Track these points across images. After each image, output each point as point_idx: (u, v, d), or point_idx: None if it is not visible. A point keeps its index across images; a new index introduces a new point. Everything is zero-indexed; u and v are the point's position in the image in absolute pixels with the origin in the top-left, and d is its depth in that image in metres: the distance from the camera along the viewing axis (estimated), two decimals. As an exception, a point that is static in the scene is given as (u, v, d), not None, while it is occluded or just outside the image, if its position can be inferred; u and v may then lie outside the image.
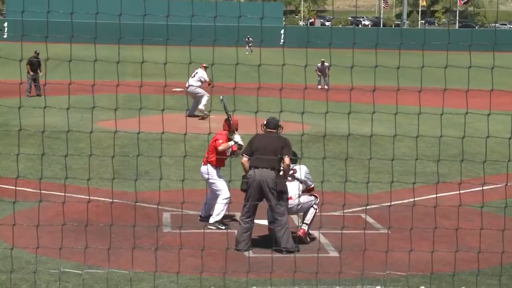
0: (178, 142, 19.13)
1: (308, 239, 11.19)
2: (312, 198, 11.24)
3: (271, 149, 10.64)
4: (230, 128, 12.04)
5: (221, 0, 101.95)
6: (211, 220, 11.91)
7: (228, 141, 11.96)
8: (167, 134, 14.73)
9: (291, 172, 11.04)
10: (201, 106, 24.23)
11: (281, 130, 11.11)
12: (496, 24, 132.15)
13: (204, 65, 24.34)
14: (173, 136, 17.49)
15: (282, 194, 10.63)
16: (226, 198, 11.84)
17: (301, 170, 11.22)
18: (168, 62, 9.92)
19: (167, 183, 14.16)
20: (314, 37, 77.21)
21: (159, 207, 12.17)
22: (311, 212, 11.17)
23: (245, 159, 10.77)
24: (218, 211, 11.88)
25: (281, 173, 10.68)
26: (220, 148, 11.83)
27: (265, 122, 11.09)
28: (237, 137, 12.04)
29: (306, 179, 11.26)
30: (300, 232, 11.05)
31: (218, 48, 42.59)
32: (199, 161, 12.57)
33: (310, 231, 11.27)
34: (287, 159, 10.67)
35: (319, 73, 37.11)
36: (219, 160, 12.00)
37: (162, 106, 9.69)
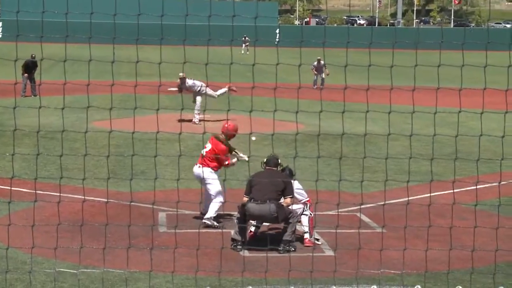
0: (173, 141, 19.14)
1: (319, 242, 11.19)
2: (301, 206, 11.22)
3: (272, 183, 10.65)
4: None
5: (216, 0, 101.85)
6: (207, 215, 11.96)
7: (229, 152, 12.24)
8: (162, 134, 14.75)
9: None
10: (196, 119, 24.04)
11: (280, 168, 11.15)
12: (490, 23, 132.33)
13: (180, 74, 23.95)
14: (168, 135, 17.53)
15: (287, 218, 10.71)
16: (221, 201, 11.93)
17: (294, 186, 11.21)
18: (163, 61, 9.94)
19: (163, 183, 14.17)
20: (309, 36, 77.26)
21: (155, 206, 12.18)
22: (304, 220, 11.17)
23: (246, 199, 10.74)
24: (214, 210, 11.95)
25: (281, 200, 10.71)
26: (229, 167, 12.25)
27: (265, 160, 11.13)
28: (242, 155, 12.34)
29: (296, 194, 11.23)
30: (306, 243, 11.07)
31: (213, 48, 42.57)
32: (195, 160, 12.58)
33: (315, 237, 11.26)
34: (288, 200, 10.72)
35: (315, 72, 37.09)
36: (218, 166, 12.21)
37: (157, 106, 9.71)
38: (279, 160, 11.17)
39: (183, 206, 12.21)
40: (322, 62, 36.42)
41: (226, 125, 12.34)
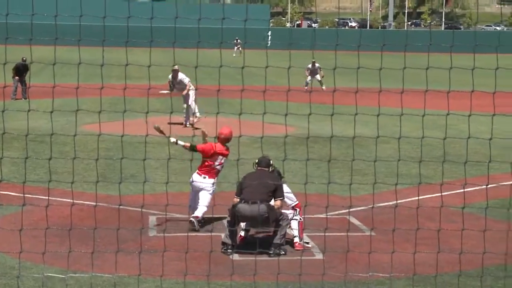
0: (164, 144, 19.08)
1: (309, 245, 11.19)
2: (290, 211, 11.22)
3: (264, 184, 10.65)
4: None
5: (207, 3, 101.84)
6: (197, 213, 11.99)
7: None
8: (153, 137, 14.72)
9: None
10: (192, 120, 24.03)
11: (272, 169, 11.15)
12: (481, 26, 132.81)
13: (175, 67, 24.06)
14: (158, 138, 17.48)
15: (278, 221, 10.69)
16: (206, 208, 12.11)
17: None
18: (152, 65, 9.92)
19: (153, 186, 14.14)
20: (301, 39, 77.33)
21: (145, 210, 12.15)
22: (294, 224, 11.17)
23: (236, 199, 10.74)
24: (202, 211, 12.06)
25: (272, 202, 10.69)
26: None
27: (257, 161, 11.13)
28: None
29: (285, 198, 11.22)
30: (296, 246, 11.07)
31: (204, 50, 42.50)
32: (185, 164, 12.54)
33: (305, 240, 11.27)
34: (278, 203, 10.72)
35: (309, 74, 37.07)
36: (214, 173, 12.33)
37: (148, 109, 9.69)
38: (271, 161, 11.17)
39: (174, 210, 12.19)
40: (316, 64, 36.50)
41: (224, 132, 12.29)
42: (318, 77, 36.95)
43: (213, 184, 12.13)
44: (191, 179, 12.24)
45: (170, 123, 19.92)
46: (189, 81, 23.94)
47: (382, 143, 19.82)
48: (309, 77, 37.04)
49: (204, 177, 12.09)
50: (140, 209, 11.94)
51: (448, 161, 12.68)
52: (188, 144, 12.16)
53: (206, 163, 12.13)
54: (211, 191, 12.12)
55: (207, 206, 12.02)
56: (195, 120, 23.77)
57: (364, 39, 75.42)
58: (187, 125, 23.61)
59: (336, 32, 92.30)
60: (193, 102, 23.99)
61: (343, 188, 14.03)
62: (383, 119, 9.31)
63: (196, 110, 24.00)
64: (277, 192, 10.73)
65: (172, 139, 12.24)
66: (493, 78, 9.19)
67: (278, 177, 11.11)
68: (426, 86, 9.07)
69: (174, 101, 23.69)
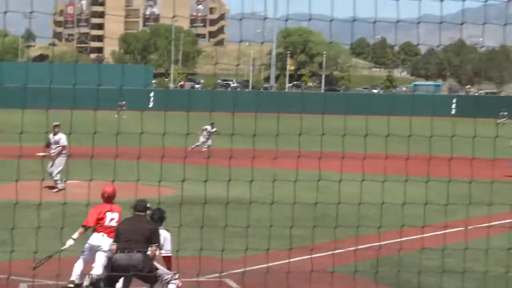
0: (41, 209, 18.56)
1: None
2: (171, 273, 11.11)
3: (140, 232, 10.51)
4: None
5: (88, 63, 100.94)
6: (96, 272, 11.63)
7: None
8: (26, 201, 14.28)
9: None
10: (60, 185, 23.49)
11: (150, 213, 11.02)
12: (358, 89, 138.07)
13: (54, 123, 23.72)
14: (31, 203, 17.00)
15: (151, 273, 10.53)
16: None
17: (162, 235, 11.09)
18: (25, 131, 9.72)
19: (26, 253, 13.64)
20: (182, 100, 77.68)
21: (16, 277, 11.74)
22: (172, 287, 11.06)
23: (114, 247, 10.57)
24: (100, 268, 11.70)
25: (148, 252, 10.55)
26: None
27: (133, 205, 10.98)
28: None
29: (163, 245, 11.12)
30: None
31: (82, 111, 41.97)
32: (56, 231, 12.19)
33: None
34: (154, 249, 10.58)
35: (204, 135, 36.88)
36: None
37: (24, 172, 9.45)
38: (148, 204, 11.03)
39: (45, 277, 11.80)
40: (214, 128, 36.60)
41: (107, 191, 12.10)
42: (209, 142, 36.85)
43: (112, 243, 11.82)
44: (87, 240, 11.91)
45: (47, 187, 19.43)
46: (64, 145, 23.51)
47: (262, 204, 19.98)
48: (203, 138, 36.89)
49: (103, 235, 11.77)
50: (11, 277, 11.51)
51: (318, 226, 12.93)
52: (81, 230, 11.86)
53: (99, 224, 11.86)
54: (106, 250, 11.76)
55: (104, 266, 11.68)
56: (59, 186, 23.26)
57: (244, 100, 76.40)
58: (61, 187, 23.00)
59: (219, 93, 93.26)
60: (59, 170, 23.54)
61: (221, 251, 14.01)
62: (259, 182, 9.47)
63: (58, 178, 23.51)
64: (152, 239, 10.56)
65: (68, 244, 11.86)
66: (363, 139, 9.54)
67: (153, 222, 10.91)
68: (298, 147, 9.30)
69: (48, 163, 23.14)
